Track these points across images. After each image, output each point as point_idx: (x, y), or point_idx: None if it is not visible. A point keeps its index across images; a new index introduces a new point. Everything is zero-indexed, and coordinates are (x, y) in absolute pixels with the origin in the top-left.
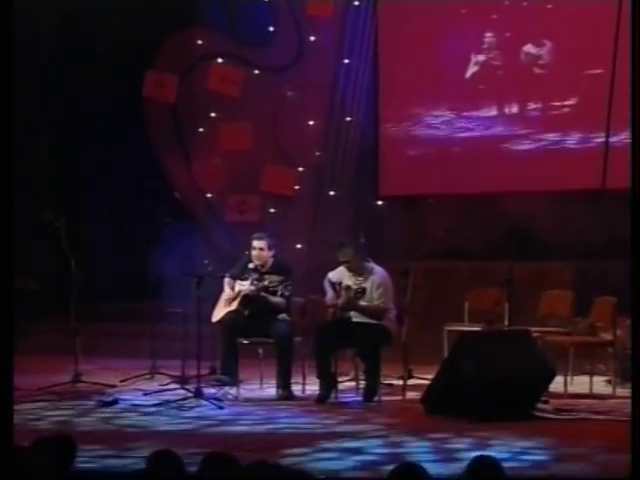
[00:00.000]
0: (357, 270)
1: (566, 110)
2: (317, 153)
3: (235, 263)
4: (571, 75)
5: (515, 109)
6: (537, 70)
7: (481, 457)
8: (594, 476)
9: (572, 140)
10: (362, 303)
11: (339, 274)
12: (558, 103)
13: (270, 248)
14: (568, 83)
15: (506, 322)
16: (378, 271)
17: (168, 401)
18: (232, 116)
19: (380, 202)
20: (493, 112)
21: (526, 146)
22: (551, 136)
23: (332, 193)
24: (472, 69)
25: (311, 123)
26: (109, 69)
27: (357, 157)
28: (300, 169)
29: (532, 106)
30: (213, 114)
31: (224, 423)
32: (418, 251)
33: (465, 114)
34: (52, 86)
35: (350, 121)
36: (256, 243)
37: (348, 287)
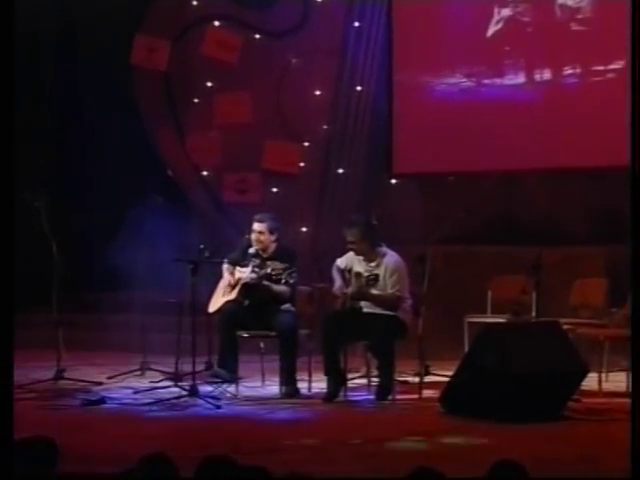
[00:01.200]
0: (367, 255)
1: (610, 76)
2: (324, 126)
3: (234, 248)
4: (617, 33)
5: (547, 75)
6: (575, 27)
7: (504, 462)
8: (594, 476)
9: (614, 112)
10: (374, 292)
11: (348, 260)
12: (601, 67)
13: (272, 231)
14: (613, 42)
15: (533, 313)
16: (391, 256)
17: (160, 400)
18: (230, 86)
19: (394, 181)
20: (521, 79)
21: (560, 119)
22: (590, 107)
23: (341, 171)
24: (495, 27)
25: (318, 93)
26: (94, 34)
27: (368, 131)
28: (305, 144)
29: (568, 71)
30: (209, 83)
31: (222, 424)
32: (436, 234)
33: (487, 81)
34: (32, 55)
35: (361, 91)
36: (256, 226)
37: (358, 274)
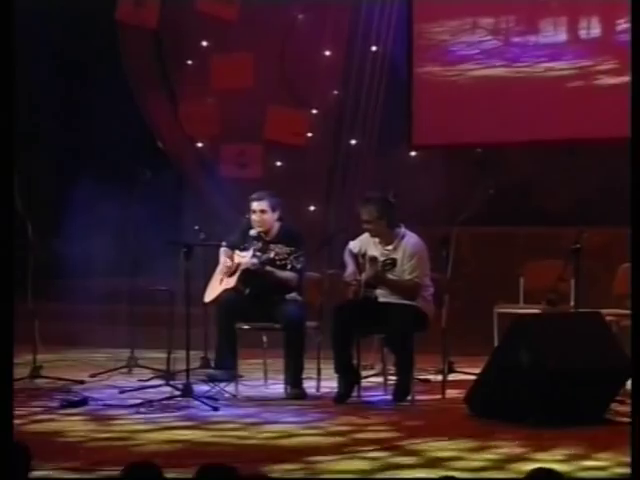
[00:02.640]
0: (384, 237)
1: None
2: (335, 92)
3: (233, 229)
4: None
5: (596, 31)
6: None
7: (540, 470)
8: (594, 476)
9: None
10: (391, 277)
11: (363, 243)
12: None
13: (274, 209)
14: None
15: (572, 303)
16: (411, 238)
17: (150, 401)
18: (228, 45)
19: (414, 153)
20: (562, 37)
21: (609, 82)
22: None
23: (354, 142)
24: None
25: (327, 54)
26: None
27: (385, 97)
28: (313, 112)
29: (622, 26)
30: (204, 43)
31: (220, 427)
32: (462, 214)
33: (519, 40)
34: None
35: (376, 51)
36: (255, 205)
37: (374, 259)
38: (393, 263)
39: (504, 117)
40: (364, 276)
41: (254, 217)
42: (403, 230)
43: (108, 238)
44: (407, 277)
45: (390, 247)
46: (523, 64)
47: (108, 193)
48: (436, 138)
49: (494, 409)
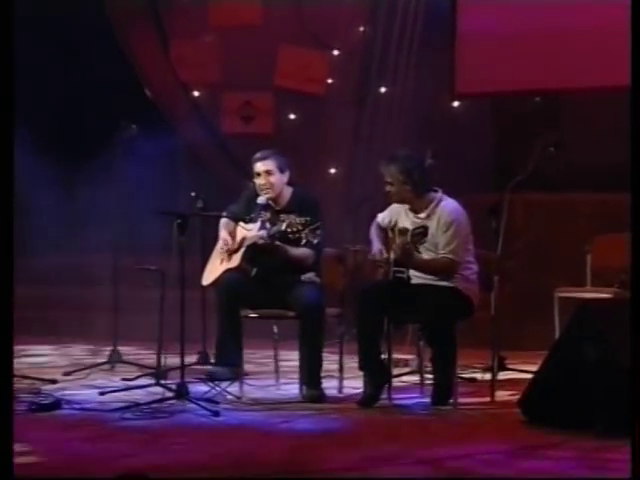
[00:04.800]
0: (413, 203)
1: None
2: (361, 28)
3: (236, 196)
4: None
5: None
6: None
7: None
8: (594, 476)
9: None
10: (419, 255)
11: (393, 213)
12: None
13: (282, 170)
14: None
15: None
16: (448, 204)
17: (137, 404)
18: None
19: (457, 103)
20: None
21: None
22: None
23: (383, 90)
24: None
25: None
26: None
27: (422, 34)
28: (335, 53)
29: None
30: None
31: (221, 436)
32: (515, 177)
33: None
34: None
35: None
36: (259, 166)
37: (404, 230)
38: (424, 232)
39: (564, 60)
40: (394, 253)
41: (259, 181)
42: (440, 195)
43: (85, 208)
44: (440, 252)
45: (422, 215)
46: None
47: (85, 152)
48: (484, 85)
49: (554, 414)
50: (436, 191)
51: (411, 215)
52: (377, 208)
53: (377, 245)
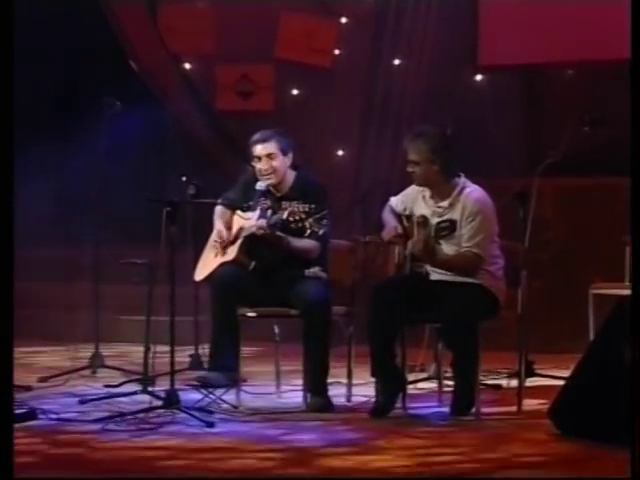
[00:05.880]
0: (437, 187)
1: None
2: None
3: (233, 182)
4: None
5: None
6: None
7: None
8: (594, 476)
9: None
10: (443, 247)
11: (408, 198)
12: None
13: (285, 153)
14: None
15: None
16: (473, 192)
17: (122, 414)
18: None
19: (480, 77)
20: None
21: None
22: None
23: (397, 62)
24: None
25: None
26: None
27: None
28: (343, 20)
29: None
30: None
31: (215, 449)
32: (545, 159)
33: None
34: None
35: None
36: (260, 148)
37: (423, 220)
38: (451, 227)
39: (607, 27)
40: (410, 245)
41: (260, 165)
42: (463, 180)
43: (64, 194)
44: (464, 245)
45: (445, 203)
46: None
47: (62, 131)
48: (511, 56)
49: (590, 426)
50: (459, 176)
51: (430, 202)
52: (390, 194)
53: (393, 222)
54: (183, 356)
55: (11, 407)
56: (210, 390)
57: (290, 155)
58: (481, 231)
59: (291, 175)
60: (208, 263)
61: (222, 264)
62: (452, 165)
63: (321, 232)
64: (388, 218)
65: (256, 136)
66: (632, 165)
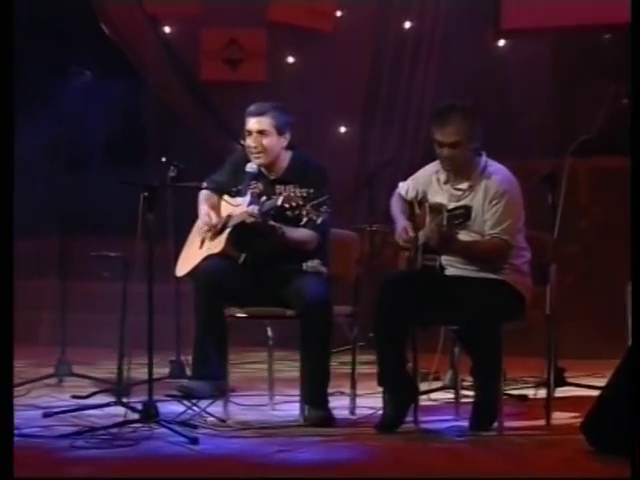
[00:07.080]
0: (460, 168)
1: None
2: None
3: (220, 163)
4: None
5: None
6: None
7: None
8: (594, 476)
9: None
10: (463, 237)
11: (419, 182)
12: None
13: (281, 131)
14: None
15: None
16: (496, 173)
17: (92, 428)
18: None
19: (503, 42)
20: None
21: None
22: None
23: (408, 25)
24: None
25: None
26: None
27: None
28: None
29: None
30: None
31: (200, 469)
32: (577, 137)
33: None
34: None
35: None
36: (253, 122)
37: (437, 207)
38: (465, 215)
39: None
40: (422, 235)
41: (251, 142)
42: (484, 160)
43: (26, 176)
44: (489, 232)
45: (464, 185)
46: None
47: (24, 103)
48: (538, 18)
49: (627, 442)
50: (480, 154)
51: (447, 186)
52: (399, 177)
53: (402, 222)
54: (163, 363)
55: (11, 407)
56: (194, 401)
57: (287, 135)
58: (509, 216)
59: (287, 155)
60: (191, 256)
61: (207, 257)
62: (479, 142)
63: (320, 220)
64: (397, 212)
65: (251, 107)
66: (632, 164)
